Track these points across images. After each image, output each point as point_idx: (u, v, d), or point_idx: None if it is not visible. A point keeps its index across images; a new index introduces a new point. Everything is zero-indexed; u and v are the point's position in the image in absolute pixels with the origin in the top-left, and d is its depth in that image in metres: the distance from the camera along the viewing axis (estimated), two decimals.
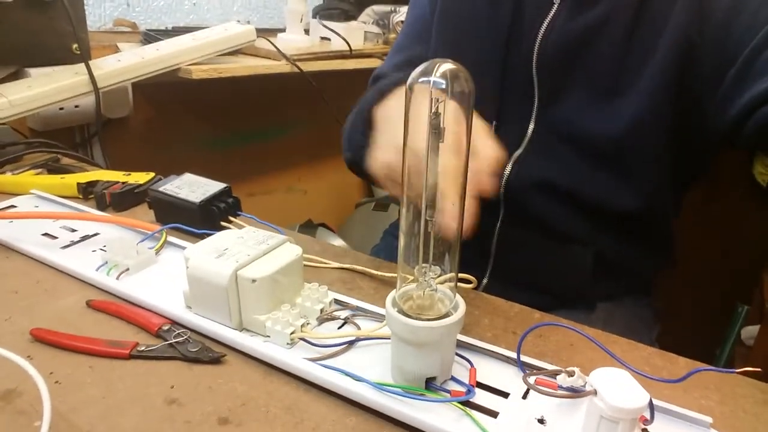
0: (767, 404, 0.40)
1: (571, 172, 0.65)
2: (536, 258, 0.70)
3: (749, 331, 1.17)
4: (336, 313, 0.46)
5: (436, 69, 0.31)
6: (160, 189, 0.62)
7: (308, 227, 1.77)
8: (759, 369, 0.34)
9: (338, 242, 1.69)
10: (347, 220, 1.97)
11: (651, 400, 0.32)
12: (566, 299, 0.69)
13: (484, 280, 0.72)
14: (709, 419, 0.35)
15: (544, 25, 0.63)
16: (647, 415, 0.34)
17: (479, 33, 0.69)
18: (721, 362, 1.22)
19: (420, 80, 0.31)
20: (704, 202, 1.21)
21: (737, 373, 0.36)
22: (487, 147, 0.45)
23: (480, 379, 0.39)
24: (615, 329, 0.48)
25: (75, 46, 0.98)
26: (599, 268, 0.68)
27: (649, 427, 0.35)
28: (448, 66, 0.31)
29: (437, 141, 0.32)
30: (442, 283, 0.38)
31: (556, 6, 0.63)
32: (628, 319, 0.72)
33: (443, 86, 0.31)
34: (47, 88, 0.89)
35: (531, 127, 0.67)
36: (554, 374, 0.37)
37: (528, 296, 0.55)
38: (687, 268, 0.79)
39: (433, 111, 0.31)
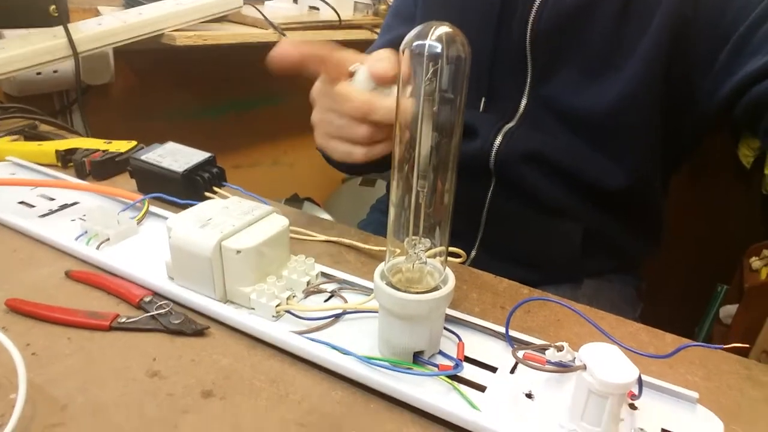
0: (750, 380, 0.40)
1: (562, 146, 0.64)
2: (525, 232, 0.70)
3: (727, 310, 1.20)
4: (323, 286, 0.46)
5: (431, 32, 0.30)
6: (142, 158, 0.60)
7: (294, 201, 1.75)
8: (746, 345, 0.34)
9: (325, 217, 1.68)
10: (334, 194, 1.96)
11: (640, 376, 0.32)
12: (553, 274, 0.70)
13: (473, 252, 0.72)
14: (695, 394, 0.36)
15: (538, 0, 0.62)
16: (635, 390, 0.34)
17: (467, 10, 0.67)
18: (700, 340, 1.24)
19: (414, 44, 0.30)
20: (688, 183, 1.22)
21: (724, 349, 0.36)
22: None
23: (468, 353, 0.39)
24: (600, 306, 0.48)
25: (53, 7, 0.94)
26: (588, 244, 0.68)
27: (636, 402, 0.35)
28: (444, 29, 0.30)
29: (431, 108, 0.31)
30: (431, 256, 0.37)
31: None
32: (614, 296, 0.73)
33: (438, 50, 0.29)
34: (23, 50, 0.86)
35: (523, 102, 0.66)
36: (543, 349, 0.37)
37: (515, 270, 0.55)
38: (669, 248, 0.79)
39: (427, 76, 0.30)
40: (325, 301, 0.45)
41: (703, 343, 0.35)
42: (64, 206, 0.57)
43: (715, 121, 0.64)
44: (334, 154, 0.52)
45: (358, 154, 0.50)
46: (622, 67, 0.60)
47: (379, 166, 0.67)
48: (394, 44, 0.31)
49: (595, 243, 0.68)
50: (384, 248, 0.44)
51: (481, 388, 0.36)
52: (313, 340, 0.38)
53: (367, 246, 0.53)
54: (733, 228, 1.26)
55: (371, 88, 0.46)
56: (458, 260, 0.49)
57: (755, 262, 1.10)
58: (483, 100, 0.68)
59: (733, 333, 1.10)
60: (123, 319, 0.41)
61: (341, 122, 0.49)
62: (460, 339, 0.40)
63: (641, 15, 0.59)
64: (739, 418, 0.36)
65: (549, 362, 0.36)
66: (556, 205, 0.67)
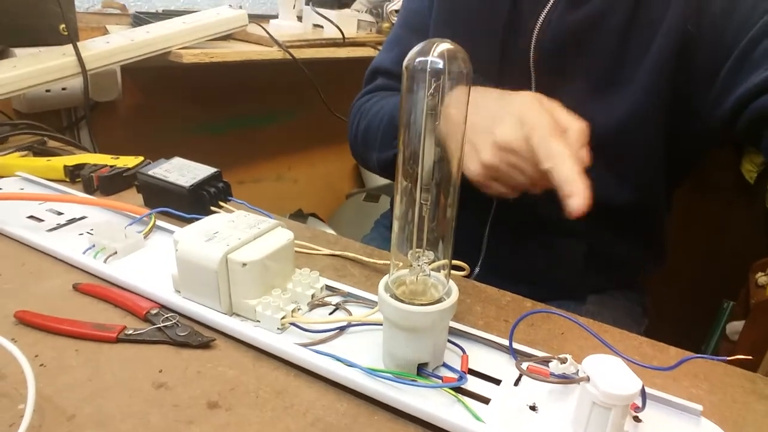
0: (755, 393, 0.40)
1: None
2: (528, 250, 0.70)
3: (734, 327, 1.19)
4: (327, 299, 0.46)
5: (433, 49, 0.30)
6: (149, 173, 0.61)
7: (298, 217, 1.76)
8: (750, 357, 0.34)
9: (329, 232, 1.68)
10: (338, 210, 1.96)
11: (643, 388, 0.32)
12: (556, 292, 0.69)
13: (476, 269, 0.72)
14: (699, 407, 0.36)
15: (542, 17, 0.62)
16: (639, 403, 0.34)
17: (476, 26, 0.68)
18: None
19: (417, 60, 0.31)
20: (692, 199, 1.22)
21: (728, 361, 0.36)
22: (572, 122, 0.49)
23: (472, 365, 0.39)
24: (604, 322, 0.48)
25: (62, 26, 0.96)
26: (591, 261, 0.68)
27: (640, 415, 0.35)
28: (445, 46, 0.31)
29: (434, 122, 0.32)
30: (435, 269, 0.38)
31: None
32: (617, 312, 0.72)
33: (440, 66, 0.30)
34: (33, 68, 0.88)
35: None
36: (546, 361, 0.37)
37: (518, 287, 0.55)
38: (674, 264, 0.79)
39: (430, 92, 0.31)
40: (330, 313, 0.45)
41: (705, 355, 0.35)
42: (72, 220, 0.58)
43: (719, 136, 0.65)
44: (488, 190, 0.54)
45: (512, 195, 0.53)
46: (627, 84, 0.61)
47: None
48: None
49: (599, 260, 0.68)
50: (388, 262, 0.44)
51: (485, 401, 0.36)
52: (317, 352, 0.39)
53: (371, 260, 0.54)
54: (737, 243, 1.25)
55: None
56: (462, 273, 0.49)
57: (761, 278, 1.09)
58: None
59: (740, 349, 1.09)
60: (130, 332, 0.41)
61: (522, 180, 0.50)
62: (464, 351, 0.40)
63: (645, 32, 0.59)
64: (743, 431, 0.36)
65: (552, 374, 0.36)
66: (559, 224, 0.67)
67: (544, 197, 0.66)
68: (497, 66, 0.66)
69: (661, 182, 0.67)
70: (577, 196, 0.45)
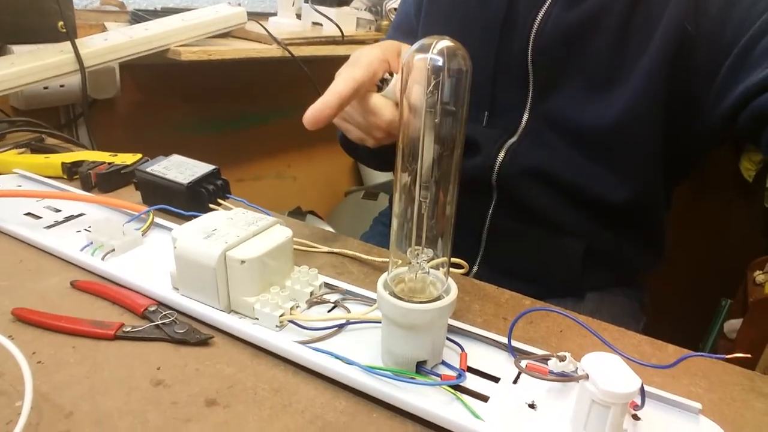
0: (754, 391, 0.40)
1: (564, 162, 0.65)
2: (527, 247, 0.70)
3: (732, 325, 1.19)
4: (326, 297, 0.46)
5: (433, 45, 0.30)
6: (148, 170, 0.61)
7: (297, 214, 1.76)
8: (749, 355, 0.34)
9: (328, 229, 1.68)
10: (336, 208, 1.96)
11: (642, 386, 0.32)
12: (555, 289, 0.69)
13: (475, 267, 0.72)
14: (698, 405, 0.36)
15: (540, 15, 0.62)
16: (638, 401, 0.34)
17: (469, 25, 0.68)
18: None
19: (417, 57, 0.30)
20: (690, 197, 1.22)
21: (726, 359, 0.36)
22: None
23: (471, 363, 0.39)
24: (602, 319, 0.48)
25: (61, 23, 0.96)
26: (590, 259, 0.68)
27: (639, 413, 0.35)
28: (445, 43, 0.30)
29: (433, 119, 0.32)
30: (434, 266, 0.38)
31: None
32: (616, 310, 0.72)
33: (440, 63, 0.30)
34: (31, 65, 0.87)
35: (525, 116, 0.67)
36: (545, 359, 0.37)
37: (517, 285, 0.55)
38: (672, 262, 0.79)
39: (429, 89, 0.31)
40: (329, 311, 0.45)
41: (704, 354, 0.35)
42: (69, 218, 0.58)
43: (719, 135, 0.65)
44: (347, 134, 0.58)
45: (370, 142, 0.56)
46: (625, 82, 0.61)
47: (383, 163, 0.71)
48: None
49: (598, 258, 0.68)
50: (386, 260, 0.44)
51: (484, 398, 0.36)
52: (316, 349, 0.39)
53: (369, 257, 0.54)
54: (736, 242, 1.25)
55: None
56: (461, 271, 0.49)
57: (759, 276, 1.09)
58: (486, 114, 0.69)
59: (738, 348, 1.09)
60: (128, 329, 0.41)
61: (362, 120, 0.54)
62: (462, 349, 0.40)
63: (643, 30, 0.59)
64: (742, 429, 0.36)
65: (551, 372, 0.36)
66: (558, 221, 0.67)
67: (543, 195, 0.66)
68: (493, 63, 0.66)
69: (659, 180, 0.67)
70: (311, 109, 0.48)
